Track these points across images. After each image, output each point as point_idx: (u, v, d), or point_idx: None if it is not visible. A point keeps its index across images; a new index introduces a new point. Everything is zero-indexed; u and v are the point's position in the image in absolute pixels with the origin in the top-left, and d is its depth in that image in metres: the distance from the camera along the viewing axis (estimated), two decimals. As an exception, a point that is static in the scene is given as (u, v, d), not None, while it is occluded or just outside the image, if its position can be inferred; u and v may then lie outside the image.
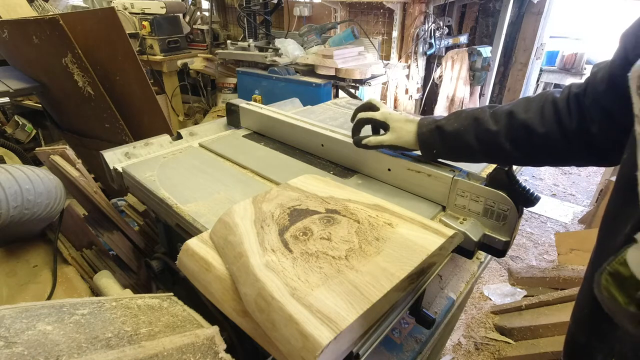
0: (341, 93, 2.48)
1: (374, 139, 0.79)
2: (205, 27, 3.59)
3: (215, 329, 0.57)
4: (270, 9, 2.64)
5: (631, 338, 0.40)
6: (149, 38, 3.14)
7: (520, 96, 3.07)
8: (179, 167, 0.92)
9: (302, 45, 2.58)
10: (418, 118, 0.76)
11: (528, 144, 0.62)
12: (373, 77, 2.34)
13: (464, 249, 0.67)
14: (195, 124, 1.40)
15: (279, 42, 2.49)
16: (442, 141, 0.70)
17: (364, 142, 0.81)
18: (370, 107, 0.83)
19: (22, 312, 0.53)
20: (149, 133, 1.07)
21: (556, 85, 5.01)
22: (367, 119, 0.81)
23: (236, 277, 0.51)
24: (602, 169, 2.82)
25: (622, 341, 0.44)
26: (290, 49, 2.46)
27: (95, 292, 1.02)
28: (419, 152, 0.77)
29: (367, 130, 0.85)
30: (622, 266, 0.34)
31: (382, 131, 0.80)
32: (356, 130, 0.84)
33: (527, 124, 0.61)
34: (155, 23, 3.08)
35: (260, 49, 2.50)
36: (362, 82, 2.26)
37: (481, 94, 2.94)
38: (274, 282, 0.47)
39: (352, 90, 2.44)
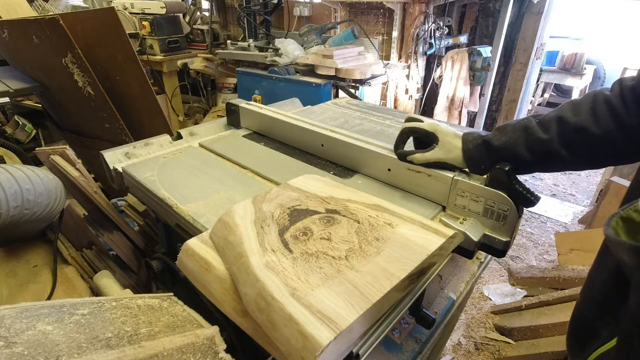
0: (341, 93, 2.48)
1: (420, 156, 0.74)
2: (205, 27, 3.59)
3: (215, 329, 0.57)
4: (270, 9, 2.64)
5: (631, 312, 0.41)
6: (149, 38, 3.14)
7: (521, 96, 3.06)
8: (179, 167, 0.92)
9: (302, 45, 2.58)
10: (462, 133, 0.72)
11: (585, 147, 0.60)
12: (373, 77, 2.34)
13: (464, 249, 0.67)
14: (195, 124, 1.40)
15: (279, 42, 2.49)
16: (489, 156, 0.67)
17: (409, 157, 0.76)
18: (413, 119, 0.78)
19: (22, 312, 0.53)
20: (149, 133, 1.07)
21: (556, 86, 5.02)
22: (413, 129, 0.76)
23: (236, 277, 0.51)
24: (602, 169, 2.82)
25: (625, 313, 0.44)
26: (290, 49, 2.46)
27: (95, 292, 1.02)
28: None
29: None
30: (635, 212, 0.38)
31: (433, 145, 0.74)
32: (400, 142, 0.79)
33: (581, 126, 0.58)
34: (155, 23, 3.08)
35: (260, 49, 2.50)
36: (362, 82, 2.26)
37: (481, 94, 2.94)
38: (274, 282, 0.47)
39: (352, 90, 2.45)
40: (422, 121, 0.76)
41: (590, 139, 0.58)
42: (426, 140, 0.75)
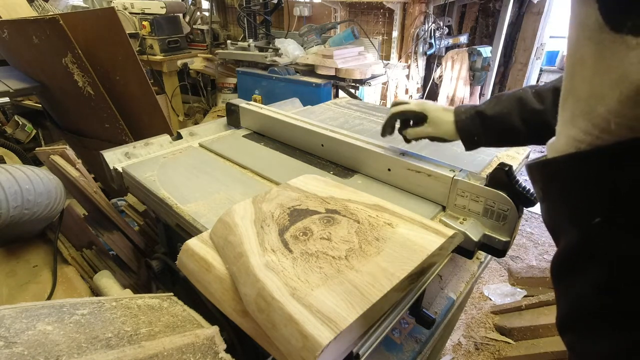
0: (341, 93, 2.48)
1: (412, 131, 0.77)
2: (205, 27, 3.59)
3: (215, 329, 0.57)
4: (270, 9, 2.64)
5: None
6: (149, 38, 3.14)
7: (520, 96, 3.06)
8: (179, 167, 0.92)
9: (302, 45, 2.58)
10: (453, 107, 0.74)
11: None
12: (373, 77, 2.34)
13: (464, 249, 0.67)
14: (195, 124, 1.40)
15: (279, 42, 2.49)
16: (483, 127, 0.67)
17: (403, 132, 0.78)
18: (400, 103, 0.79)
19: (22, 312, 0.53)
20: (149, 133, 1.07)
21: (556, 85, 5.01)
22: (402, 112, 0.77)
23: (236, 277, 0.51)
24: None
25: None
26: (290, 49, 2.46)
27: (95, 292, 1.02)
28: (458, 142, 0.73)
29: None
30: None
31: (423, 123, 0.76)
32: (387, 126, 0.81)
33: None
34: (155, 23, 3.08)
35: (260, 49, 2.50)
36: (362, 82, 2.26)
37: (481, 94, 2.94)
38: (274, 282, 0.47)
39: (352, 90, 2.44)
40: (408, 103, 0.77)
41: None
42: (416, 120, 0.77)
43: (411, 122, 0.80)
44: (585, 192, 0.26)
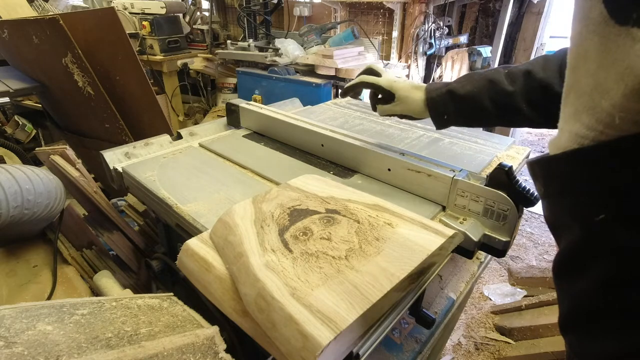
0: (341, 93, 2.48)
1: (382, 109, 0.77)
2: (205, 27, 3.59)
3: (215, 329, 0.57)
4: (270, 9, 2.64)
5: None
6: (149, 38, 3.14)
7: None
8: (179, 167, 0.92)
9: (302, 45, 2.58)
10: (424, 85, 0.73)
11: (546, 106, 0.57)
12: (373, 77, 2.34)
13: (464, 249, 0.67)
14: (195, 124, 1.40)
15: (279, 42, 2.49)
16: (454, 106, 0.66)
17: (377, 105, 0.79)
18: (371, 72, 0.79)
19: (22, 312, 0.53)
20: (149, 133, 1.07)
21: (556, 85, 5.01)
22: (370, 84, 0.77)
23: (236, 277, 0.51)
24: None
25: None
26: (290, 49, 2.46)
27: (95, 292, 1.02)
28: (427, 119, 0.73)
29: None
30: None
31: (393, 100, 0.76)
32: (352, 90, 0.80)
33: (546, 83, 0.56)
34: (155, 23, 3.08)
35: (260, 49, 2.50)
36: (362, 82, 2.25)
37: (481, 94, 2.94)
38: (274, 282, 0.47)
39: (352, 90, 2.44)
40: (380, 75, 0.77)
41: (553, 98, 0.56)
42: (384, 96, 0.76)
43: (379, 96, 0.80)
44: (588, 188, 0.26)
